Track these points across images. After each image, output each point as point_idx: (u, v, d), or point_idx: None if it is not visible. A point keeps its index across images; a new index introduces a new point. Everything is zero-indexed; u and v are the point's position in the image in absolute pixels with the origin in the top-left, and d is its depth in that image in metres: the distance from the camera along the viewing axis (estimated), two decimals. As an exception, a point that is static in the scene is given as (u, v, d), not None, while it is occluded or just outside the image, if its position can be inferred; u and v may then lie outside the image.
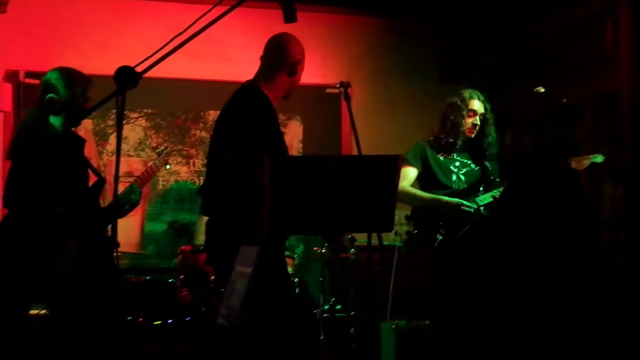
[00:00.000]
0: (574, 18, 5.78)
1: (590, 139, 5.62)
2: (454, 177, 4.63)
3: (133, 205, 4.28)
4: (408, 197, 4.65)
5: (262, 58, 3.85)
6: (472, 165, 4.70)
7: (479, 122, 4.66)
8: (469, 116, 4.65)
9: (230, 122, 3.65)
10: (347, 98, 3.85)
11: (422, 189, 4.70)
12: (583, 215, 4.95)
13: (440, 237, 4.45)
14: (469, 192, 4.57)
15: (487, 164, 4.68)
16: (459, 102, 4.69)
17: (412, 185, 4.71)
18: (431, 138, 4.77)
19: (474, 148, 4.73)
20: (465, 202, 4.46)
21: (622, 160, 5.25)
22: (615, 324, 4.75)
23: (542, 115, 5.46)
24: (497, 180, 4.60)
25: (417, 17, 6.99)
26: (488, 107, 4.71)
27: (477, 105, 4.67)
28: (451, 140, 4.66)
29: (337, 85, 3.92)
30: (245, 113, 3.61)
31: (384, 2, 6.78)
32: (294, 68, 3.80)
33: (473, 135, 4.68)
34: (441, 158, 4.68)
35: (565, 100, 4.51)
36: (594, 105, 5.66)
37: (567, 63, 5.85)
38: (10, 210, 3.87)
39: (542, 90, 4.42)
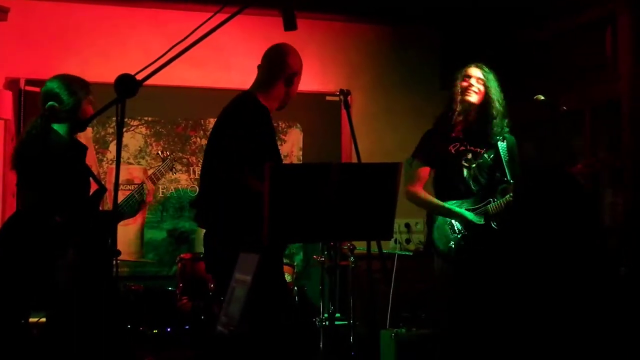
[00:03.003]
0: (574, 25, 5.79)
1: (590, 146, 5.62)
2: (465, 173, 4.39)
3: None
4: (420, 202, 4.47)
5: (260, 67, 3.85)
6: (485, 156, 4.41)
7: (474, 84, 4.35)
8: (463, 81, 4.38)
9: (225, 133, 3.64)
10: (347, 106, 3.85)
11: (435, 186, 4.54)
12: (590, 232, 4.93)
13: (452, 245, 4.35)
14: (481, 197, 4.40)
15: (499, 146, 4.40)
16: (456, 74, 4.44)
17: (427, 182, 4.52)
18: (435, 122, 4.53)
19: (481, 133, 4.42)
20: (472, 218, 4.35)
21: (622, 167, 5.25)
22: (619, 331, 4.74)
23: (542, 123, 5.47)
24: (510, 180, 4.34)
25: (417, 25, 7.00)
26: (493, 84, 4.38)
27: (474, 71, 4.39)
28: (453, 116, 4.37)
29: (337, 93, 3.91)
30: (240, 125, 3.60)
31: (384, 9, 6.78)
32: (291, 79, 3.80)
33: (470, 98, 4.35)
34: (452, 151, 4.41)
35: (565, 108, 4.50)
36: (594, 113, 5.66)
37: (567, 70, 5.86)
38: (14, 216, 3.89)
39: (542, 98, 4.39)
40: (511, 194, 4.26)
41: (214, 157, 3.67)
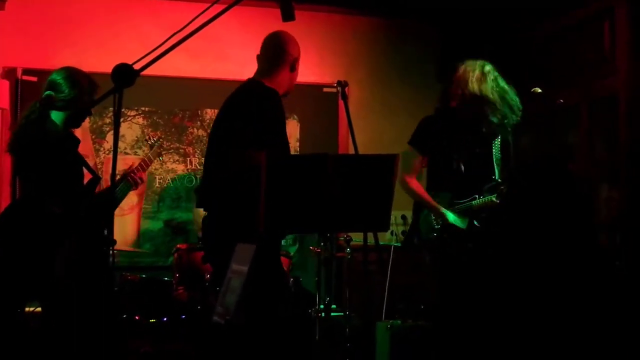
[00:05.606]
0: (572, 20, 5.79)
1: (587, 140, 5.63)
2: (455, 167, 4.36)
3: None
4: (412, 192, 4.45)
5: (260, 56, 3.84)
6: (477, 152, 4.40)
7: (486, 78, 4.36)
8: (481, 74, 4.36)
9: (231, 123, 3.65)
10: (345, 97, 3.85)
11: (428, 174, 4.52)
12: (582, 221, 4.93)
13: (435, 235, 4.33)
14: (468, 192, 4.42)
15: (494, 143, 4.41)
16: (471, 66, 4.40)
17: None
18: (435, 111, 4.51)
19: (477, 129, 4.42)
20: (453, 221, 4.31)
21: (618, 162, 5.26)
22: (614, 324, 4.76)
23: (539, 116, 5.47)
24: (497, 179, 4.37)
25: (415, 17, 6.99)
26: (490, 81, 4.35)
27: (484, 68, 4.38)
28: (453, 108, 4.38)
29: (335, 85, 3.92)
30: (247, 114, 3.59)
31: (382, 2, 6.78)
32: (294, 65, 3.80)
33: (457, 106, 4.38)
34: (446, 143, 4.39)
35: (561, 101, 4.50)
36: (591, 107, 5.67)
37: (565, 65, 5.86)
38: (10, 206, 3.90)
39: (539, 90, 4.39)
40: (496, 195, 4.26)
41: (218, 145, 3.67)
